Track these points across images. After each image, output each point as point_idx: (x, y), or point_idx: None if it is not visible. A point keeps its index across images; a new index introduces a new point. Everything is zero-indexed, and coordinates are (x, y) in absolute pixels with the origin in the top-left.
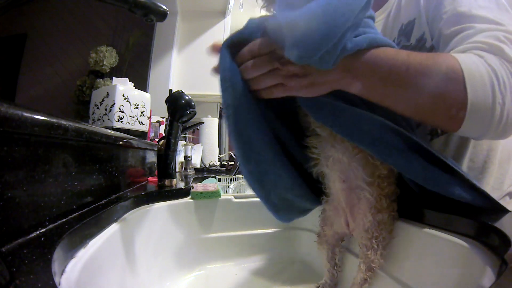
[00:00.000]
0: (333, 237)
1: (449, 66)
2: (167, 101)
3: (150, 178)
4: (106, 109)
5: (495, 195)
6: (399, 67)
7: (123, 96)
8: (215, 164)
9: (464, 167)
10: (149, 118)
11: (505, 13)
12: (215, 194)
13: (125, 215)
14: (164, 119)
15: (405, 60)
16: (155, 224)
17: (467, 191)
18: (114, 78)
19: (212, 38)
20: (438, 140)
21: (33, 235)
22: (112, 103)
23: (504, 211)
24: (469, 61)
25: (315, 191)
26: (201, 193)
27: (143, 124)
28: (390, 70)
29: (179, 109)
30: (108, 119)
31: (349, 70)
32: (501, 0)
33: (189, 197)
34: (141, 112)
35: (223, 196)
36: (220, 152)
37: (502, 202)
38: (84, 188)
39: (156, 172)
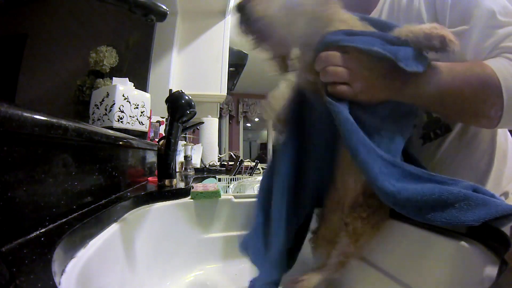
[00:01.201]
0: (328, 234)
1: (486, 74)
2: (167, 101)
3: (150, 178)
4: (106, 109)
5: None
6: (445, 79)
7: (123, 96)
8: (215, 164)
9: (470, 172)
10: (149, 118)
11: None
12: (215, 194)
13: (125, 215)
14: (164, 119)
15: (450, 72)
16: (155, 224)
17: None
18: (114, 78)
19: (212, 38)
20: (431, 144)
21: (33, 235)
22: (112, 103)
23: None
24: (502, 67)
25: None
26: (201, 193)
27: (143, 124)
28: (439, 81)
29: (179, 109)
30: (108, 119)
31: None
32: None
33: (189, 197)
34: (141, 112)
35: (223, 196)
36: (220, 152)
37: None
38: (84, 188)
39: (156, 172)
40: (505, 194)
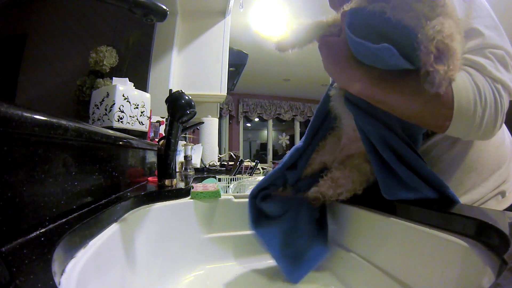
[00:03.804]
0: (318, 164)
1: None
2: (167, 101)
3: (150, 178)
4: (106, 109)
5: (491, 194)
6: (399, 85)
7: (123, 96)
8: (215, 164)
9: (464, 170)
10: (149, 118)
11: (494, 31)
12: (215, 194)
13: (125, 215)
14: (164, 119)
15: (407, 78)
16: (155, 224)
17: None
18: (114, 78)
19: (212, 38)
20: (427, 140)
21: (33, 235)
22: (112, 103)
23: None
24: (460, 81)
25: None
26: (201, 193)
27: (143, 124)
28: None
29: (179, 109)
30: (108, 119)
31: (371, 77)
32: (493, 15)
33: (189, 197)
34: (141, 112)
35: (223, 196)
36: (220, 152)
37: (493, 201)
38: (84, 188)
39: (156, 172)
40: (502, 193)
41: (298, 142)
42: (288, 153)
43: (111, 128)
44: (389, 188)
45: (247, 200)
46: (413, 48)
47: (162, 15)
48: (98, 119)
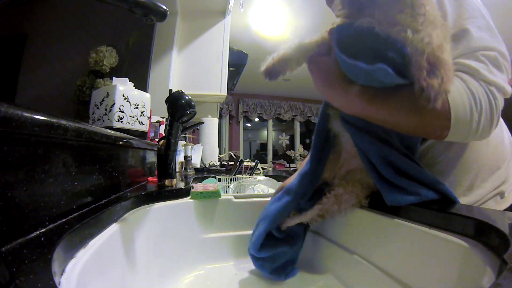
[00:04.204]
0: (319, 182)
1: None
2: (167, 101)
3: (150, 178)
4: (106, 109)
5: (490, 194)
6: (395, 101)
7: (123, 96)
8: (215, 164)
9: (462, 170)
10: (149, 118)
11: (486, 31)
12: (215, 194)
13: (125, 215)
14: (164, 119)
15: (402, 94)
16: (155, 224)
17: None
18: (114, 78)
19: (212, 38)
20: (425, 141)
21: (33, 235)
22: (112, 103)
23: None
24: (454, 89)
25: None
26: (201, 193)
27: (143, 124)
28: (389, 104)
29: (179, 109)
30: (108, 119)
31: (365, 97)
32: (487, 17)
33: (189, 197)
34: (141, 112)
35: (223, 196)
36: (220, 152)
37: (492, 201)
38: (84, 188)
39: (156, 172)
40: (501, 194)
41: (304, 165)
42: (296, 180)
43: (111, 128)
44: (391, 196)
45: (247, 200)
46: (405, 62)
47: (162, 15)
48: (98, 119)
